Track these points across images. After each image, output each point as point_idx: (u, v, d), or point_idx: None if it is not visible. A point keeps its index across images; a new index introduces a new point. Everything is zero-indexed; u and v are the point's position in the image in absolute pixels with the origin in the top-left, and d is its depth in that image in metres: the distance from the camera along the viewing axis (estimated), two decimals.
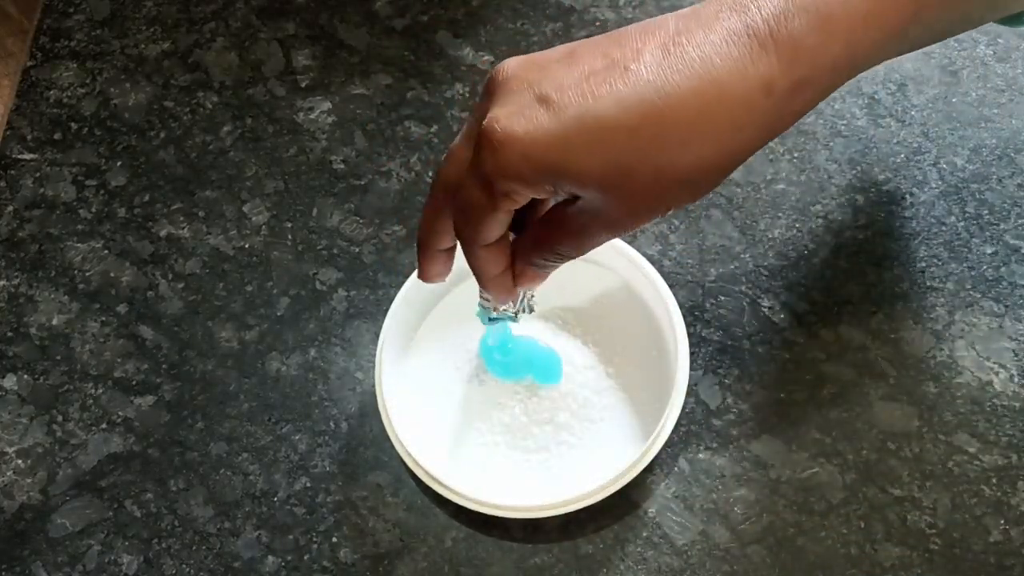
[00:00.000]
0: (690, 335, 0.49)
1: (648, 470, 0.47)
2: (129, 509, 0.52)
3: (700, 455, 0.50)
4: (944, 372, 0.50)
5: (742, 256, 0.54)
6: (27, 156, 0.62)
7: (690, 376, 0.48)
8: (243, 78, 0.63)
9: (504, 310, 0.44)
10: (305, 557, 0.50)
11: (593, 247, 0.37)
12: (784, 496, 0.48)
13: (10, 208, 0.61)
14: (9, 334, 0.57)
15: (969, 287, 0.52)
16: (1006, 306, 0.51)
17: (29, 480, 0.53)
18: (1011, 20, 0.39)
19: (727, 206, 0.56)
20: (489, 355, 0.50)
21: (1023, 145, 0.55)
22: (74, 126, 0.63)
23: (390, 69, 0.62)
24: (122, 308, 0.57)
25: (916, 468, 0.48)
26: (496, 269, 0.39)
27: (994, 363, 0.50)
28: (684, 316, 0.49)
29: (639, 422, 0.49)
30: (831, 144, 0.56)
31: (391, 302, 0.51)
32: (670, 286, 0.49)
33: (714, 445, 0.50)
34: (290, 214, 0.59)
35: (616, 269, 0.52)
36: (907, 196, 0.55)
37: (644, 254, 0.51)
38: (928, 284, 0.52)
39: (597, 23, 0.62)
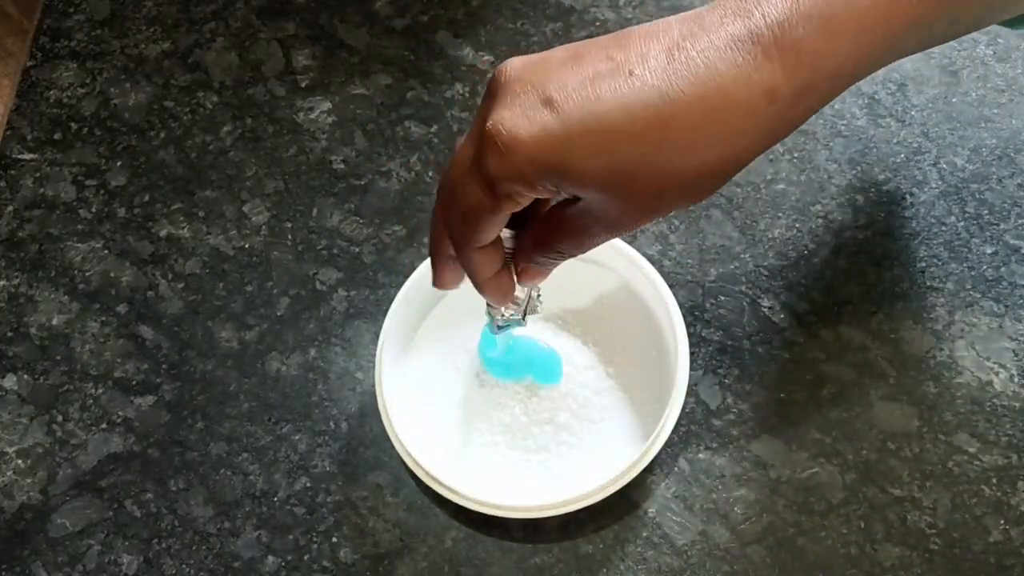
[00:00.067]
0: (690, 335, 0.49)
1: (648, 470, 0.47)
2: (129, 509, 0.52)
3: (700, 455, 0.50)
4: (944, 372, 0.50)
5: (742, 256, 0.54)
6: (27, 156, 0.62)
7: (690, 376, 0.48)
8: (243, 78, 0.63)
9: (511, 316, 0.44)
10: (305, 557, 0.50)
11: (593, 246, 0.37)
12: (784, 496, 0.48)
13: (10, 208, 0.61)
14: (9, 334, 0.57)
15: (969, 287, 0.52)
16: (1006, 306, 0.51)
17: (29, 480, 0.53)
18: (1012, 23, 0.39)
19: (727, 206, 0.56)
20: (488, 356, 0.50)
21: (1023, 145, 0.55)
22: (74, 126, 0.63)
23: (390, 69, 0.62)
24: (122, 308, 0.57)
25: (916, 468, 0.48)
26: (491, 271, 0.39)
27: (994, 363, 0.50)
28: (684, 316, 0.49)
29: (639, 422, 0.49)
30: (831, 144, 0.56)
31: (391, 302, 0.51)
32: (670, 286, 0.49)
33: (714, 445, 0.50)
34: (290, 214, 0.59)
35: (616, 269, 0.52)
36: (907, 196, 0.55)
37: (644, 254, 0.51)
38: (928, 284, 0.52)
39: (597, 23, 0.62)
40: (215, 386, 0.54)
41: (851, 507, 0.48)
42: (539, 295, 0.44)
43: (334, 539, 0.50)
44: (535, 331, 0.52)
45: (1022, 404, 0.49)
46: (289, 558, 0.50)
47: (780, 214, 0.55)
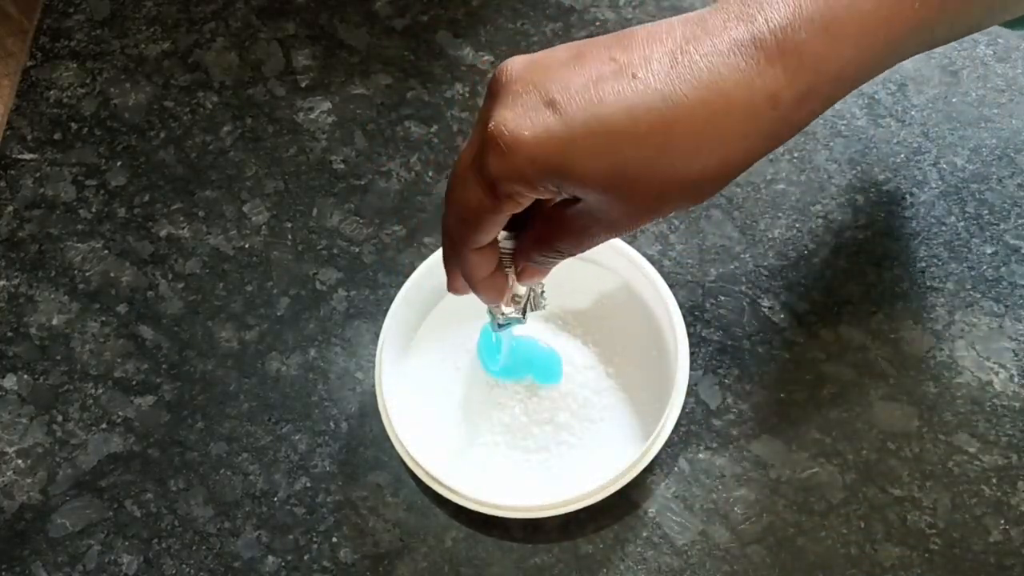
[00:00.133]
0: (690, 335, 0.49)
1: (648, 470, 0.47)
2: (129, 509, 0.52)
3: (700, 455, 0.50)
4: (944, 372, 0.50)
5: (742, 256, 0.54)
6: (27, 156, 0.62)
7: (690, 376, 0.48)
8: (243, 78, 0.63)
9: (512, 314, 0.44)
10: (305, 557, 0.50)
11: (593, 246, 0.37)
12: (784, 496, 0.48)
13: (10, 208, 0.61)
14: (9, 334, 0.57)
15: (969, 287, 0.52)
16: (1006, 306, 0.51)
17: (29, 480, 0.53)
18: (1013, 23, 0.39)
19: (727, 206, 0.56)
20: (487, 357, 0.50)
21: (1023, 145, 0.55)
22: (74, 126, 0.63)
23: (390, 69, 0.62)
24: (122, 308, 0.57)
25: (916, 468, 0.48)
26: (486, 271, 0.39)
27: (994, 363, 0.50)
28: (684, 316, 0.49)
29: (639, 422, 0.49)
30: (831, 144, 0.56)
31: (391, 302, 0.51)
32: (670, 286, 0.49)
33: (714, 445, 0.50)
34: (290, 214, 0.59)
35: (616, 269, 0.52)
36: (907, 196, 0.55)
37: (644, 254, 0.51)
38: (928, 284, 0.52)
39: (597, 23, 0.62)
40: (215, 386, 0.54)
41: (851, 507, 0.48)
42: (543, 292, 0.44)
43: (334, 539, 0.50)
44: (535, 331, 0.52)
45: (1022, 404, 0.49)
46: (289, 558, 0.50)
47: (780, 214, 0.55)
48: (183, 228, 0.59)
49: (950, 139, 0.56)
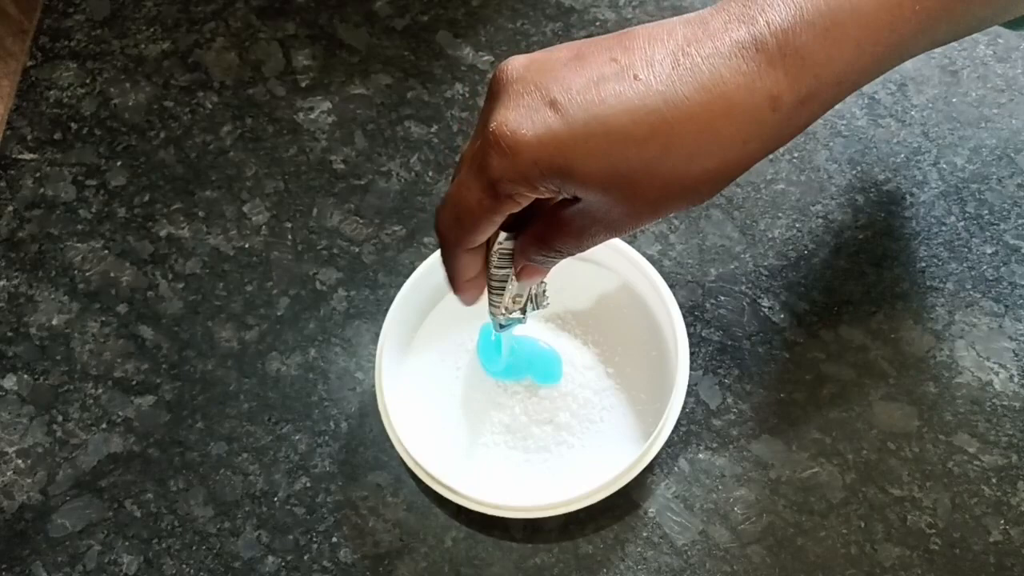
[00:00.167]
0: (690, 335, 0.49)
1: (648, 470, 0.47)
2: (129, 509, 0.52)
3: (700, 455, 0.50)
4: (944, 372, 0.50)
5: (742, 256, 0.54)
6: (27, 156, 0.62)
7: (690, 376, 0.48)
8: (243, 78, 0.63)
9: (512, 315, 0.44)
10: (305, 557, 0.50)
11: (593, 245, 0.37)
12: (784, 496, 0.48)
13: (10, 208, 0.61)
14: (9, 334, 0.57)
15: (969, 287, 0.52)
16: (1006, 306, 0.51)
17: (29, 480, 0.53)
18: (1013, 23, 0.39)
19: (727, 206, 0.56)
20: (487, 357, 0.50)
21: (1023, 145, 0.55)
22: (74, 126, 0.63)
23: (390, 69, 0.62)
24: (122, 308, 0.57)
25: (916, 468, 0.48)
26: (472, 272, 0.39)
27: (994, 363, 0.50)
28: (684, 316, 0.49)
29: (639, 422, 0.49)
30: (831, 144, 0.56)
31: (391, 302, 0.51)
32: (670, 286, 0.49)
33: (714, 445, 0.50)
34: (290, 214, 0.59)
35: (616, 269, 0.52)
36: (907, 196, 0.55)
37: (644, 254, 0.51)
38: (928, 284, 0.52)
39: (597, 23, 0.62)
40: (215, 386, 0.54)
41: (851, 507, 0.48)
42: (544, 290, 0.44)
43: (334, 539, 0.50)
44: (535, 331, 0.52)
45: (1022, 404, 0.49)
46: (289, 558, 0.50)
47: (780, 214, 0.55)
48: (183, 228, 0.59)
49: (950, 139, 0.56)
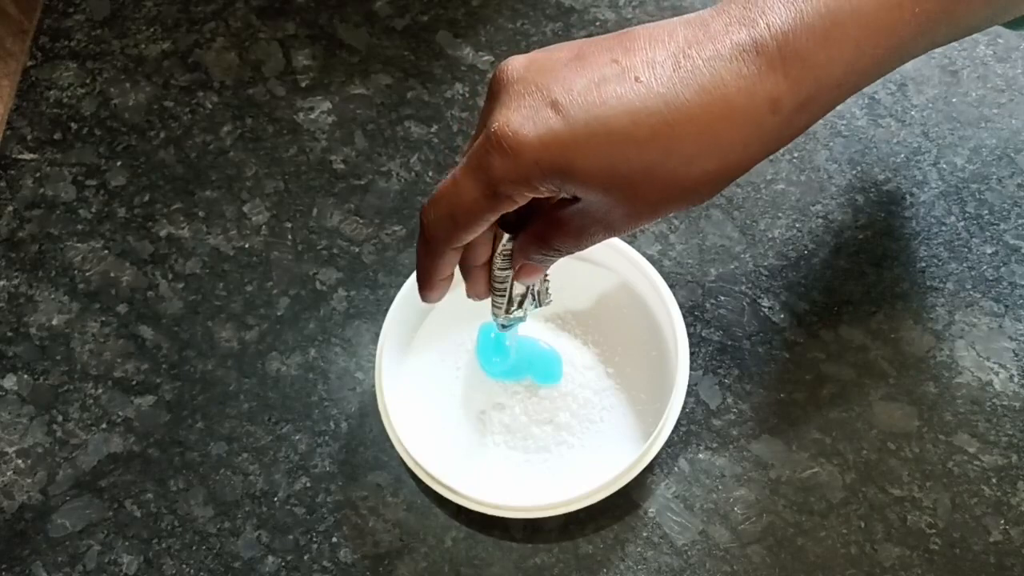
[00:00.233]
0: (690, 335, 0.49)
1: (648, 470, 0.47)
2: (129, 509, 0.52)
3: (700, 455, 0.50)
4: (944, 372, 0.50)
5: (742, 256, 0.54)
6: (27, 156, 0.62)
7: (690, 376, 0.48)
8: (243, 78, 0.63)
9: (514, 313, 0.44)
10: (305, 557, 0.50)
11: (592, 244, 0.38)
12: (784, 496, 0.48)
13: (10, 208, 0.61)
14: (9, 334, 0.57)
15: (969, 287, 0.52)
16: (1006, 306, 0.51)
17: (29, 480, 0.53)
18: (1013, 24, 0.39)
19: (727, 206, 0.56)
20: (486, 358, 0.50)
21: (1023, 145, 0.55)
22: (74, 126, 0.63)
23: (390, 69, 0.62)
24: (122, 308, 0.57)
25: (916, 468, 0.48)
26: (449, 271, 0.40)
27: (994, 363, 0.50)
28: (684, 316, 0.49)
29: (639, 422, 0.49)
30: (831, 144, 0.56)
31: (391, 302, 0.51)
32: (670, 286, 0.49)
33: (714, 445, 0.50)
34: (290, 214, 0.59)
35: (616, 269, 0.52)
36: (907, 196, 0.55)
37: (644, 254, 0.51)
38: (928, 284, 0.52)
39: (597, 23, 0.62)
40: (215, 386, 0.54)
41: (851, 507, 0.48)
42: (547, 288, 0.44)
43: (334, 539, 0.50)
44: (535, 331, 0.52)
45: (1022, 404, 0.49)
46: (289, 558, 0.50)
47: (780, 214, 0.55)
48: (183, 228, 0.59)
49: (950, 139, 0.56)
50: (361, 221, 0.58)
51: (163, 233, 0.59)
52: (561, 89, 0.33)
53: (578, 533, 0.49)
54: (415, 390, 0.51)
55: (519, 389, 0.50)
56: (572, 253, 0.39)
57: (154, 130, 0.62)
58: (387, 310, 0.51)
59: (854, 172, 0.56)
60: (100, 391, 0.55)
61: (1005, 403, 0.49)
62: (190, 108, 0.63)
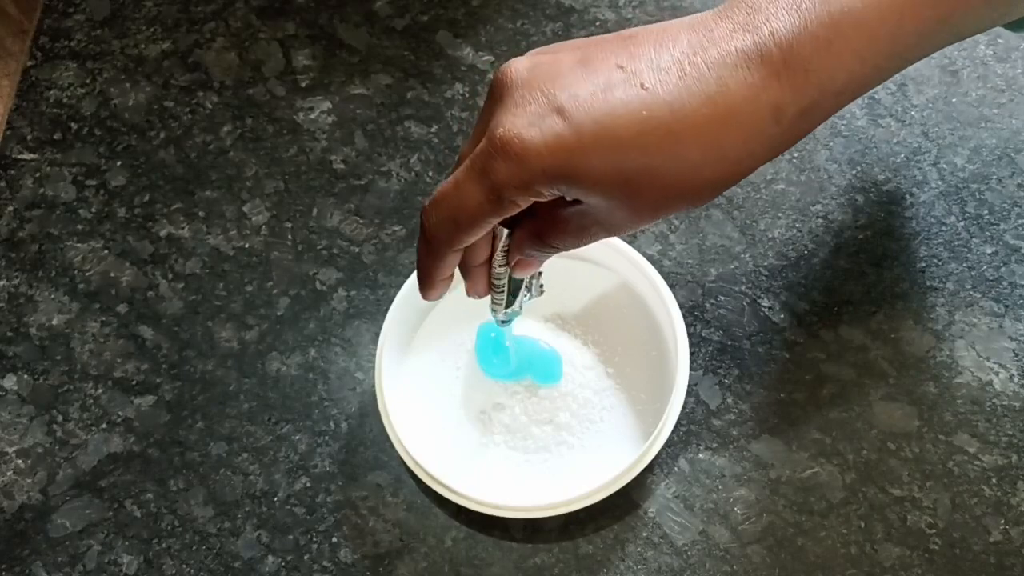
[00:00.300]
0: (690, 335, 0.49)
1: (648, 470, 0.47)
2: (129, 509, 0.52)
3: (700, 455, 0.50)
4: (944, 372, 0.50)
5: (742, 256, 0.54)
6: (27, 156, 0.62)
7: (690, 376, 0.48)
8: (243, 78, 0.63)
9: (514, 309, 0.44)
10: (305, 557, 0.50)
11: (590, 243, 0.38)
12: (784, 496, 0.48)
13: (10, 208, 0.61)
14: (9, 334, 0.57)
15: (969, 287, 0.52)
16: (1006, 306, 0.51)
17: (29, 480, 0.53)
18: (1014, 25, 0.39)
19: (727, 206, 0.56)
20: (484, 360, 0.50)
21: (1023, 145, 0.55)
22: (74, 126, 0.63)
23: (390, 69, 0.62)
24: (122, 308, 0.57)
25: (916, 468, 0.48)
26: (449, 271, 0.40)
27: (994, 363, 0.50)
28: (684, 316, 0.49)
29: (639, 422, 0.49)
30: (831, 144, 0.56)
31: (391, 302, 0.51)
32: (670, 286, 0.49)
33: (714, 445, 0.50)
34: (290, 214, 0.59)
35: (616, 269, 0.52)
36: (907, 196, 0.55)
37: (644, 254, 0.51)
38: (928, 284, 0.52)
39: (597, 23, 0.62)
40: (215, 386, 0.54)
41: (851, 507, 0.48)
42: (541, 283, 0.44)
43: (334, 539, 0.50)
44: (535, 331, 0.52)
45: (1022, 404, 0.49)
46: (289, 558, 0.50)
47: (780, 214, 0.55)
48: (183, 228, 0.59)
49: (950, 139, 0.56)
50: (361, 221, 0.58)
51: (163, 233, 0.59)
52: (567, 96, 0.33)
53: (578, 533, 0.49)
54: (415, 390, 0.51)
55: (519, 389, 0.50)
56: (568, 250, 0.39)
57: (154, 130, 0.62)
58: (387, 310, 0.51)
59: (854, 172, 0.56)
60: (100, 391, 0.55)
61: (1005, 403, 0.49)
62: (190, 108, 0.63)
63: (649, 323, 0.51)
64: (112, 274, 0.58)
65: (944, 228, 0.53)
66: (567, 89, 0.33)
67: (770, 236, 0.54)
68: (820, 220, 0.55)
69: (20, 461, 0.54)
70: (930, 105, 0.57)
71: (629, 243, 0.52)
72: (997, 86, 0.57)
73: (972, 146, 0.55)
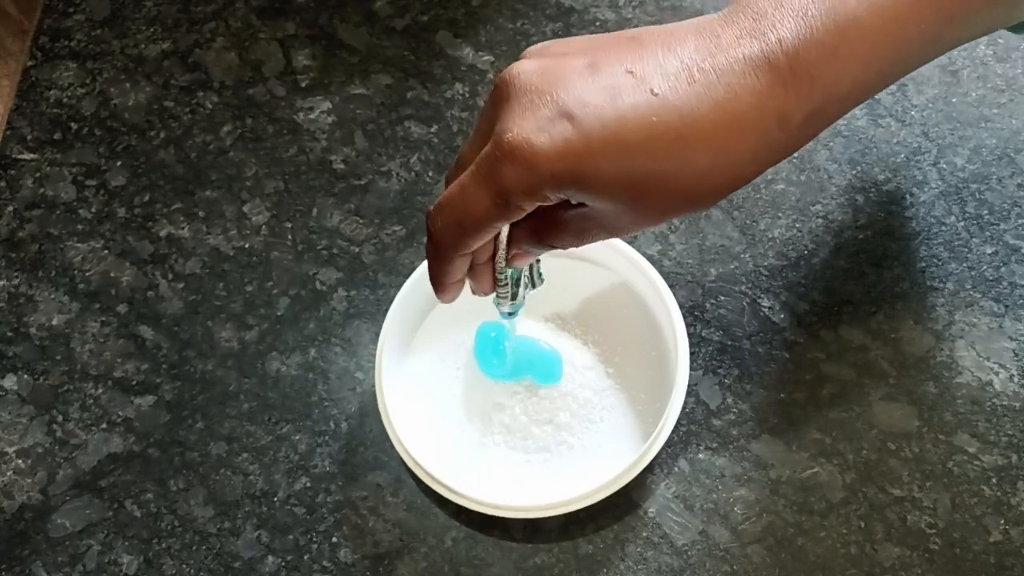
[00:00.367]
0: (690, 335, 0.49)
1: (648, 470, 0.47)
2: (129, 509, 0.52)
3: (700, 455, 0.50)
4: (944, 372, 0.50)
5: (742, 256, 0.54)
6: (27, 156, 0.62)
7: (690, 376, 0.48)
8: (243, 78, 0.63)
9: (518, 301, 0.44)
10: (305, 557, 0.50)
11: (588, 244, 0.38)
12: (784, 496, 0.48)
13: (10, 208, 0.61)
14: (9, 334, 0.57)
15: (969, 287, 0.52)
16: (1006, 306, 0.51)
17: (29, 480, 0.53)
18: (1016, 28, 0.39)
19: (727, 206, 0.56)
20: (484, 361, 0.50)
21: (1023, 145, 0.55)
22: (74, 126, 0.63)
23: (390, 69, 0.62)
24: (122, 308, 0.57)
25: (916, 468, 0.48)
26: (461, 274, 0.40)
27: (994, 363, 0.50)
28: (684, 316, 0.49)
29: (639, 422, 0.49)
30: (831, 144, 0.56)
31: (391, 302, 0.51)
32: (670, 286, 0.49)
33: (714, 445, 0.50)
34: (290, 214, 0.59)
35: (616, 269, 0.52)
36: (907, 196, 0.55)
37: (644, 254, 0.51)
38: (928, 284, 0.52)
39: (597, 23, 0.62)
40: (215, 386, 0.54)
41: (851, 507, 0.48)
42: (540, 272, 0.44)
43: (334, 539, 0.50)
44: (535, 331, 0.52)
45: (1022, 404, 0.49)
46: (289, 558, 0.50)
47: (780, 214, 0.55)
48: (183, 228, 0.59)
49: (950, 139, 0.56)
50: (361, 221, 0.58)
51: (163, 233, 0.59)
52: (576, 101, 0.33)
53: (578, 533, 0.49)
54: (415, 390, 0.51)
55: (519, 389, 0.50)
56: (567, 248, 0.39)
57: (154, 130, 0.62)
58: (387, 310, 0.51)
59: (854, 172, 0.56)
60: (100, 391, 0.55)
61: (1005, 403, 0.49)
62: (190, 108, 0.63)
63: (649, 323, 0.51)
64: (112, 274, 0.58)
65: (944, 228, 0.53)
66: (575, 93, 0.33)
67: (770, 236, 0.54)
68: (820, 220, 0.55)
69: (20, 461, 0.54)
70: (930, 105, 0.57)
71: (629, 243, 0.52)
72: (997, 86, 0.57)
73: (972, 146, 0.55)
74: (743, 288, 0.53)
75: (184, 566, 0.50)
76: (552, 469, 0.49)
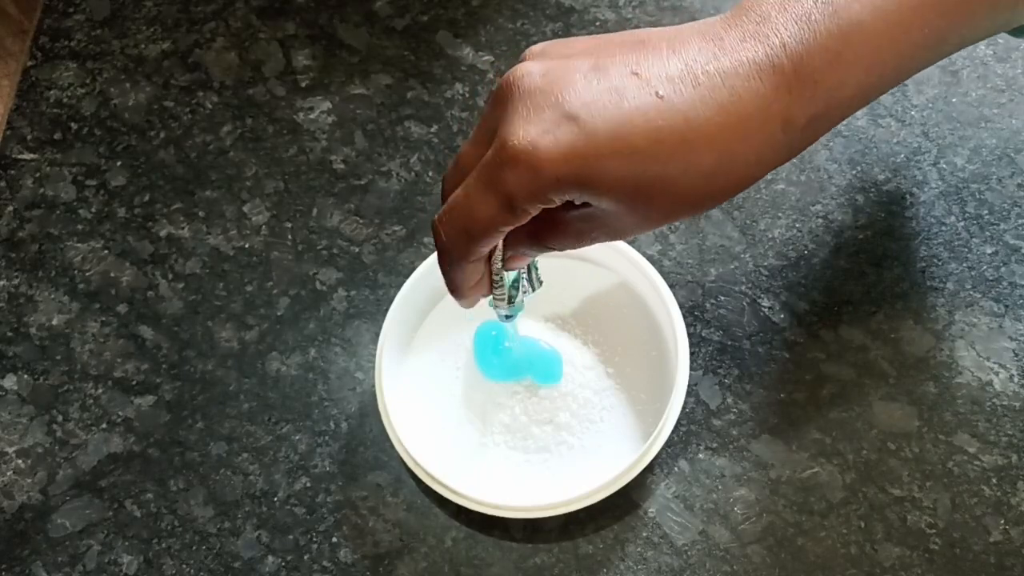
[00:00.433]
0: (690, 335, 0.49)
1: (648, 470, 0.47)
2: (129, 509, 0.52)
3: (700, 455, 0.50)
4: (944, 372, 0.50)
5: (742, 256, 0.54)
6: (27, 156, 0.62)
7: (690, 376, 0.48)
8: (243, 78, 0.63)
9: (516, 303, 0.44)
10: (305, 557, 0.50)
11: (587, 245, 0.38)
12: (784, 496, 0.48)
13: (10, 208, 0.61)
14: (9, 334, 0.57)
15: (969, 287, 0.52)
16: (1006, 306, 0.51)
17: (29, 480, 0.53)
18: (1017, 31, 0.39)
19: (727, 206, 0.56)
20: (484, 361, 0.50)
21: (1023, 145, 0.55)
22: (74, 126, 0.63)
23: (390, 69, 0.62)
24: (122, 308, 0.57)
25: (916, 468, 0.48)
26: (476, 279, 0.39)
27: (994, 363, 0.50)
28: (684, 316, 0.49)
29: (639, 422, 0.49)
30: (831, 144, 0.56)
31: (391, 302, 0.51)
32: (670, 286, 0.49)
33: (714, 445, 0.50)
34: (290, 214, 0.59)
35: (616, 269, 0.52)
36: (907, 196, 0.55)
37: (644, 254, 0.51)
38: (928, 284, 0.52)
39: (597, 23, 0.62)
40: (215, 386, 0.54)
41: (851, 507, 0.48)
42: (538, 273, 0.44)
43: (334, 539, 0.50)
44: (535, 331, 0.52)
45: (1022, 404, 0.49)
46: (289, 558, 0.50)
47: (780, 214, 0.55)
48: (183, 228, 0.59)
49: (950, 139, 0.56)
50: (361, 221, 0.58)
51: (163, 233, 0.59)
52: (581, 104, 0.33)
53: (578, 533, 0.49)
54: (415, 390, 0.51)
55: (519, 389, 0.50)
56: (565, 250, 0.39)
57: (154, 130, 0.62)
58: (387, 310, 0.51)
59: (854, 172, 0.56)
60: (100, 391, 0.55)
61: (1005, 403, 0.49)
62: (190, 108, 0.63)
63: (649, 323, 0.51)
64: (112, 274, 0.58)
65: (944, 228, 0.53)
66: (580, 95, 0.33)
67: (770, 236, 0.54)
68: (820, 220, 0.55)
69: (20, 461, 0.54)
70: (930, 105, 0.57)
71: (629, 243, 0.52)
72: (997, 86, 0.57)
73: (972, 146, 0.55)
74: (743, 288, 0.53)
75: (184, 566, 0.50)
76: (552, 469, 0.49)
